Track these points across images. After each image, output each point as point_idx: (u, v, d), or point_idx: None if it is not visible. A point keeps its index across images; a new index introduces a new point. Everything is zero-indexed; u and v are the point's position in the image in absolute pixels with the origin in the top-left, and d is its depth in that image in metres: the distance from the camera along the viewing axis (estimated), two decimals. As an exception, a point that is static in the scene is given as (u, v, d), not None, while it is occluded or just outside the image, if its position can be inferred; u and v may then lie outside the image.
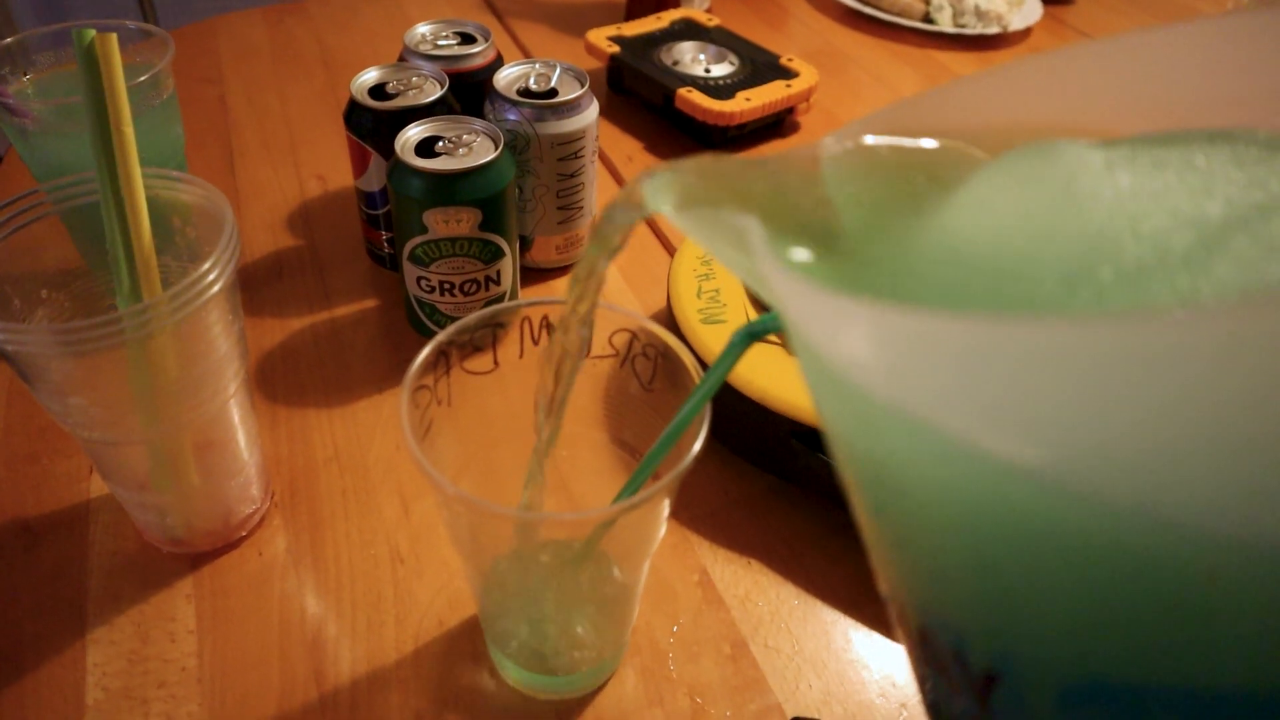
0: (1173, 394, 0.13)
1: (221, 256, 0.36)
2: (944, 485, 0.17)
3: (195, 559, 0.45)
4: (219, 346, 0.38)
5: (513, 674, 0.40)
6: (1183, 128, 0.21)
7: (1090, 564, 0.15)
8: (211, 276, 0.35)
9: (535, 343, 0.36)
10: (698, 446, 0.30)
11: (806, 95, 0.76)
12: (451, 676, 0.41)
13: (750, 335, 0.29)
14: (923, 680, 0.21)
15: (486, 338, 0.36)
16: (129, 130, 0.36)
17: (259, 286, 0.61)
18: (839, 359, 0.17)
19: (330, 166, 0.73)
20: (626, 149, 0.76)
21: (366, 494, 0.48)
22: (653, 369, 0.35)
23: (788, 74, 0.77)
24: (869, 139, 0.23)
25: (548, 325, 0.36)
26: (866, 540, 0.21)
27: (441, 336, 0.34)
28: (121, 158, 0.36)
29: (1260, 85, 0.21)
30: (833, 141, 0.23)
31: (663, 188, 0.22)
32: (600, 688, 0.41)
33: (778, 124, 0.79)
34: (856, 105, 0.83)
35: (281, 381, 0.54)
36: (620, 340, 0.36)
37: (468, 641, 0.42)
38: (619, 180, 0.73)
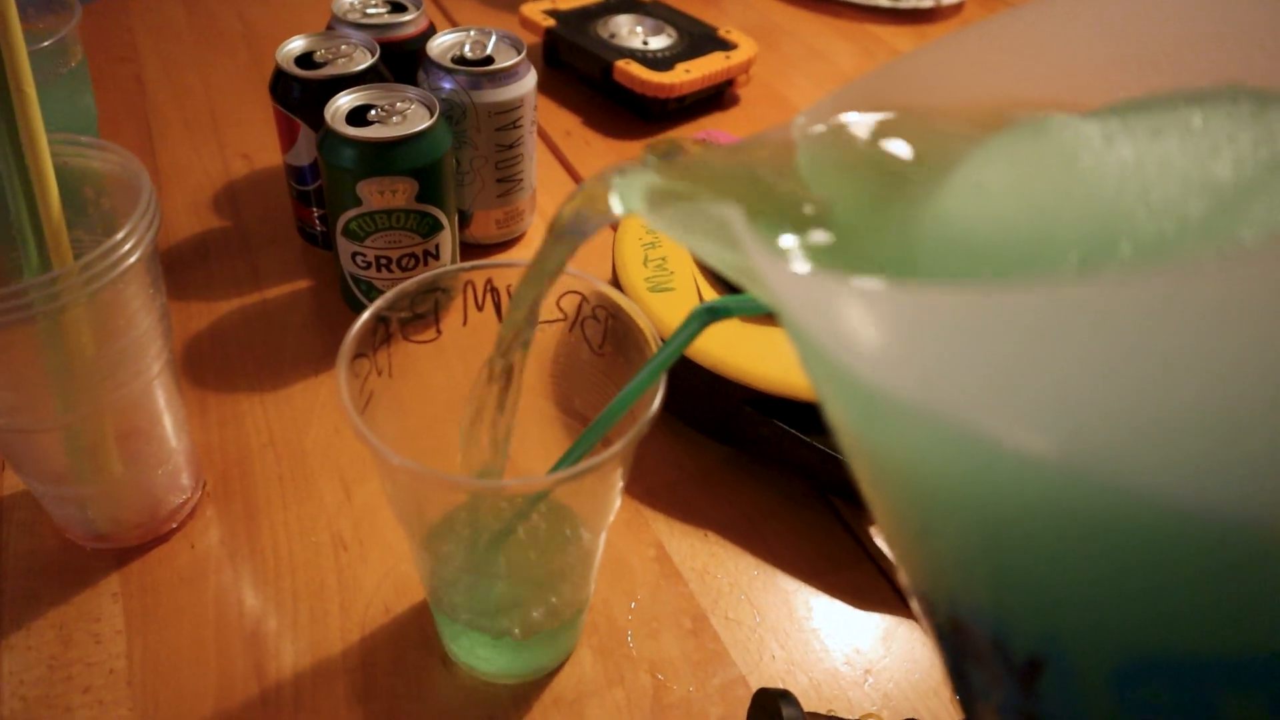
0: (1216, 359, 0.11)
1: (139, 224, 0.33)
2: (972, 477, 0.15)
3: (121, 555, 0.42)
4: (139, 322, 0.36)
5: (465, 657, 0.39)
6: (1156, 85, 0.20)
7: (1139, 543, 0.14)
8: (128, 246, 0.33)
9: (479, 309, 0.35)
10: (655, 406, 0.29)
11: (746, 67, 0.75)
12: (401, 664, 0.39)
13: (710, 313, 0.27)
14: (958, 675, 0.19)
15: (428, 304, 0.34)
16: (30, 90, 0.33)
17: (184, 269, 0.58)
18: (845, 349, 0.16)
19: (256, 145, 0.69)
20: (564, 124, 0.75)
21: (305, 479, 0.46)
22: (603, 332, 0.34)
23: (726, 45, 0.76)
24: (842, 118, 0.22)
25: (492, 290, 0.34)
26: (885, 532, 0.19)
27: (381, 302, 0.32)
28: (24, 120, 0.33)
29: (1220, 30, 0.20)
30: (805, 121, 0.22)
31: (632, 186, 0.21)
32: (557, 669, 0.39)
33: (717, 96, 0.77)
34: (795, 78, 0.83)
35: (211, 367, 0.52)
36: (569, 303, 0.34)
37: (417, 628, 0.40)
38: (558, 155, 0.71)
